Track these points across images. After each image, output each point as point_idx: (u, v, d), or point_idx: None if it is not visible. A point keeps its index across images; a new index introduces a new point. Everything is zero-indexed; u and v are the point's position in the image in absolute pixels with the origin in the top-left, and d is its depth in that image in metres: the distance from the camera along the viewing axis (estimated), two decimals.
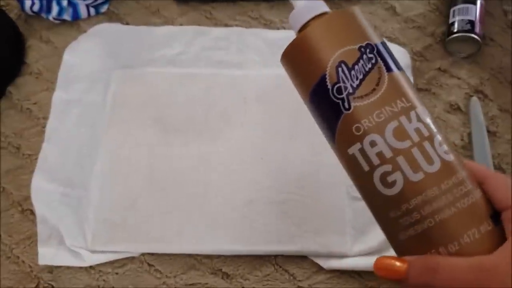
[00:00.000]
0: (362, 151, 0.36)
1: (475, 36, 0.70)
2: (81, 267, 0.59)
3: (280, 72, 0.71)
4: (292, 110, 0.68)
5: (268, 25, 0.75)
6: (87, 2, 0.73)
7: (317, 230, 0.60)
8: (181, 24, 0.75)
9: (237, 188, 0.63)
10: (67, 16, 0.73)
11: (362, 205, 0.61)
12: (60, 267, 0.59)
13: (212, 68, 0.71)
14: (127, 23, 0.75)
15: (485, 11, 0.73)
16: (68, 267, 0.59)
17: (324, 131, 0.40)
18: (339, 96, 0.36)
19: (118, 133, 0.66)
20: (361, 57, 0.36)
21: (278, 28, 0.75)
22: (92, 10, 0.74)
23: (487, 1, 0.74)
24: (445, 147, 0.36)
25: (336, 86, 0.36)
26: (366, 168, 0.36)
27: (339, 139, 0.37)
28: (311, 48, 0.38)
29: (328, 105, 0.37)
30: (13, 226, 0.61)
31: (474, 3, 0.72)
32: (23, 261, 0.59)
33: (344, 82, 0.36)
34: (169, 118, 0.67)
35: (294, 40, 0.40)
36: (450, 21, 0.72)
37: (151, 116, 0.67)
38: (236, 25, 0.75)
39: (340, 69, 0.36)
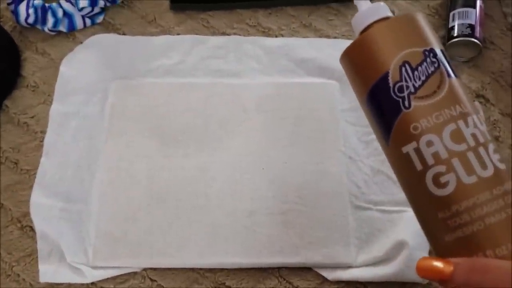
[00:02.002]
0: (417, 150, 0.37)
1: (476, 40, 0.69)
2: (82, 284, 0.58)
3: (279, 80, 0.71)
4: (292, 119, 0.67)
5: (266, 32, 0.74)
6: (83, 13, 0.72)
7: (320, 241, 0.60)
8: (178, 33, 0.74)
9: (239, 199, 0.62)
10: (62, 28, 0.72)
11: (365, 214, 0.62)
12: (61, 284, 0.58)
13: (210, 77, 0.70)
14: (124, 33, 0.74)
15: (484, 14, 0.73)
16: (69, 284, 0.58)
17: (378, 130, 0.41)
18: (400, 95, 0.38)
19: (117, 145, 0.65)
20: (425, 60, 0.38)
21: (276, 36, 0.74)
22: (88, 21, 0.73)
23: (486, 3, 0.74)
24: (498, 155, 0.37)
25: (398, 85, 0.38)
26: (419, 167, 0.37)
27: (395, 137, 0.39)
28: (374, 47, 0.39)
29: (387, 102, 0.39)
30: (12, 243, 0.60)
31: (474, 6, 0.72)
32: (23, 279, 0.59)
33: (406, 81, 0.38)
34: (168, 128, 0.66)
35: (357, 39, 0.42)
36: (450, 25, 0.72)
37: (149, 127, 0.66)
38: (234, 33, 0.74)
39: (404, 68, 0.38)
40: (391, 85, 0.38)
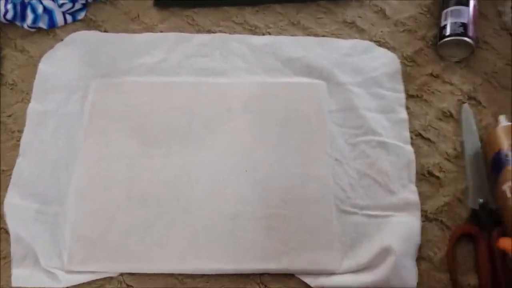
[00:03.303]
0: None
1: (468, 40, 0.67)
2: None
3: (266, 80, 0.69)
4: (279, 119, 0.65)
5: (253, 30, 0.72)
6: (64, 9, 0.70)
7: (304, 247, 0.58)
8: (162, 31, 0.72)
9: (221, 202, 0.60)
10: (42, 24, 0.70)
11: (351, 219, 0.59)
12: None
13: (194, 76, 0.68)
14: (106, 30, 0.72)
15: (478, 12, 0.71)
16: None
17: None
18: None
19: (97, 144, 0.63)
20: None
21: (263, 34, 0.72)
22: (68, 18, 0.71)
23: (480, 2, 0.72)
24: None
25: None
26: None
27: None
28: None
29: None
30: None
31: (467, 4, 0.69)
32: None
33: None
34: (150, 128, 0.64)
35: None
36: (442, 24, 0.70)
37: (131, 126, 0.64)
38: (220, 31, 0.72)
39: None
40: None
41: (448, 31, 0.68)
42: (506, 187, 0.57)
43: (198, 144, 0.63)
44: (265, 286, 0.57)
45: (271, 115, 0.65)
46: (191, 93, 0.67)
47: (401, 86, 0.68)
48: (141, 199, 0.60)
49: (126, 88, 0.67)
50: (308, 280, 0.57)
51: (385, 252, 0.55)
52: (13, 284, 0.56)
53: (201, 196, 0.61)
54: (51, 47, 0.70)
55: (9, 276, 0.57)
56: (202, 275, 0.57)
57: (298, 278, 0.57)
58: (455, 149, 0.64)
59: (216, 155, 0.63)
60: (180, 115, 0.65)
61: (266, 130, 0.65)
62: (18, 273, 0.57)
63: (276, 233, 0.59)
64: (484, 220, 0.58)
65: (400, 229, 0.58)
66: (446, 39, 0.68)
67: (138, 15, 0.73)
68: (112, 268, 0.57)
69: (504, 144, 0.60)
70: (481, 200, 0.59)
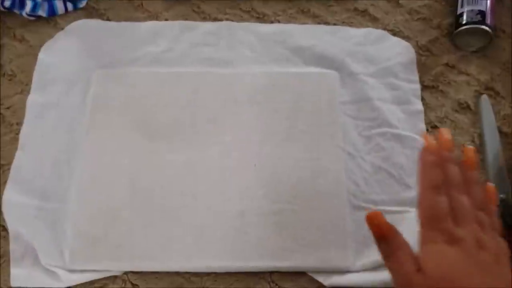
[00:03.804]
0: None
1: (486, 28, 0.65)
2: None
3: (274, 70, 0.67)
4: (287, 111, 0.62)
5: (261, 18, 0.70)
6: None
7: (315, 244, 0.56)
8: (166, 19, 0.69)
9: (228, 198, 0.58)
10: (42, 12, 0.67)
11: (364, 215, 0.57)
12: None
13: (200, 66, 0.66)
14: (108, 19, 0.69)
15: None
16: None
17: None
18: None
19: (99, 138, 0.61)
20: None
21: (271, 22, 0.69)
22: (69, 5, 0.69)
23: None
24: None
25: None
26: None
27: None
28: None
29: None
30: None
31: None
32: None
33: None
34: (154, 122, 0.62)
35: None
36: (458, 11, 0.67)
37: (134, 119, 0.62)
38: (226, 19, 0.69)
39: None
40: None
41: (465, 19, 0.66)
42: None
43: (203, 138, 0.61)
44: (276, 284, 0.55)
45: (280, 107, 0.63)
46: (196, 84, 0.64)
47: (416, 77, 0.65)
48: (145, 195, 0.58)
49: (129, 79, 0.64)
50: (321, 278, 0.54)
51: None
52: (12, 284, 0.54)
53: (206, 192, 0.58)
54: (51, 36, 0.67)
55: (8, 275, 0.54)
56: (210, 274, 0.55)
57: (310, 276, 0.55)
58: (472, 141, 0.61)
59: (222, 150, 0.60)
60: (184, 107, 0.63)
61: (274, 123, 0.62)
62: (17, 273, 0.54)
63: (286, 229, 0.56)
64: (504, 216, 0.55)
65: (416, 225, 0.55)
66: (463, 27, 0.65)
67: (142, 3, 0.70)
68: (116, 266, 0.55)
69: None
70: (501, 196, 0.57)
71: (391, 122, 0.61)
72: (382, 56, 0.66)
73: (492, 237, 0.39)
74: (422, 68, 0.66)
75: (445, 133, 0.44)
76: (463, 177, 0.42)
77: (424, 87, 0.65)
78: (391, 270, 0.40)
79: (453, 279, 0.36)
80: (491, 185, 0.44)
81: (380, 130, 0.61)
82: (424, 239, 0.39)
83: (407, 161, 0.59)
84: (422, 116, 0.63)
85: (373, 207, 0.57)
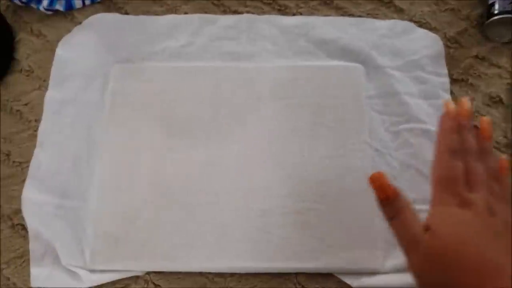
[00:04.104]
0: None
1: None
2: None
3: (297, 63, 0.65)
4: (311, 106, 0.60)
5: (283, 10, 0.67)
6: None
7: (343, 244, 0.54)
8: (185, 13, 0.67)
9: (251, 196, 0.56)
10: (59, 6, 0.66)
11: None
12: None
13: (220, 60, 0.64)
14: (126, 13, 0.68)
15: None
16: None
17: None
18: None
19: (118, 135, 0.59)
20: None
21: (294, 14, 0.67)
22: None
23: None
24: None
25: None
26: None
27: None
28: None
29: None
30: (2, 243, 0.55)
31: None
32: (14, 283, 0.53)
33: None
34: (174, 118, 0.60)
35: None
36: (490, 1, 0.64)
37: (153, 115, 0.60)
38: (247, 12, 0.67)
39: None
40: None
41: (497, 8, 0.63)
42: None
43: (225, 135, 0.59)
44: (302, 286, 0.53)
45: (304, 102, 0.61)
46: (217, 79, 0.62)
47: (444, 70, 0.63)
48: (166, 194, 0.56)
49: (148, 74, 0.63)
50: (349, 280, 0.53)
51: None
52: (32, 284, 0.53)
53: (229, 190, 0.57)
54: (69, 31, 0.65)
55: (28, 275, 0.53)
56: (233, 274, 0.54)
57: (338, 278, 0.53)
58: (505, 136, 0.59)
59: (245, 147, 0.59)
60: (205, 103, 0.61)
61: (298, 118, 0.60)
62: (37, 273, 0.53)
63: (312, 229, 0.55)
64: None
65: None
66: (496, 17, 0.62)
67: None
68: (138, 266, 0.54)
69: None
70: None
71: (420, 117, 0.59)
72: (409, 48, 0.64)
73: (503, 206, 0.40)
74: (451, 60, 0.63)
75: (465, 102, 0.45)
76: (479, 146, 0.43)
77: (453, 81, 0.62)
78: (397, 231, 0.40)
79: (463, 240, 0.37)
80: (505, 157, 0.46)
81: (408, 125, 0.59)
82: (436, 201, 0.40)
83: None
84: None
85: None
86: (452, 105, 0.45)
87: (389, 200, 0.40)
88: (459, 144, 0.42)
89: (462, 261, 0.36)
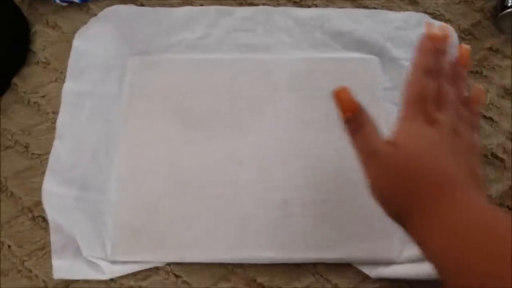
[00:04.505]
0: None
1: None
2: (100, 281, 0.53)
3: (314, 55, 0.65)
4: (327, 98, 0.60)
5: (298, 2, 0.67)
6: None
7: (361, 235, 0.54)
8: (201, 4, 0.67)
9: (269, 188, 0.57)
10: None
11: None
12: (77, 281, 0.53)
13: (237, 52, 0.64)
14: (142, 4, 0.67)
15: None
16: (86, 281, 0.53)
17: None
18: None
19: (136, 128, 0.60)
20: None
21: (309, 6, 0.67)
22: None
23: None
24: None
25: None
26: None
27: None
28: None
29: None
30: (24, 236, 0.55)
31: None
32: (36, 275, 0.54)
33: None
34: (191, 110, 0.60)
35: None
36: None
37: (171, 108, 0.61)
38: (263, 4, 0.67)
39: None
40: None
41: (510, 1, 0.63)
42: None
43: (242, 126, 0.60)
44: (321, 276, 0.54)
45: (320, 94, 0.61)
46: (234, 71, 0.63)
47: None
48: (185, 185, 0.57)
49: (165, 66, 0.63)
50: (366, 270, 0.53)
51: None
52: (55, 275, 0.53)
53: (247, 182, 0.57)
54: (85, 23, 0.65)
55: (49, 267, 0.54)
56: (252, 265, 0.54)
57: (356, 268, 0.54)
58: None
59: (262, 138, 0.59)
60: (222, 95, 0.61)
61: (314, 110, 0.60)
62: (59, 264, 0.54)
63: (330, 220, 0.55)
64: None
65: None
66: (508, 10, 0.63)
67: None
68: (158, 257, 0.54)
69: None
70: None
71: None
72: None
73: (468, 130, 0.41)
74: None
75: (446, 30, 0.45)
76: (454, 71, 0.44)
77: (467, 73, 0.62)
78: (358, 144, 0.41)
79: (424, 154, 0.38)
80: (481, 88, 0.47)
81: None
82: (404, 116, 0.41)
83: None
84: None
85: None
86: (432, 28, 0.44)
87: (353, 113, 0.41)
88: (434, 64, 0.42)
89: (420, 172, 0.37)
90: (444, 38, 0.44)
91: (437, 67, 0.43)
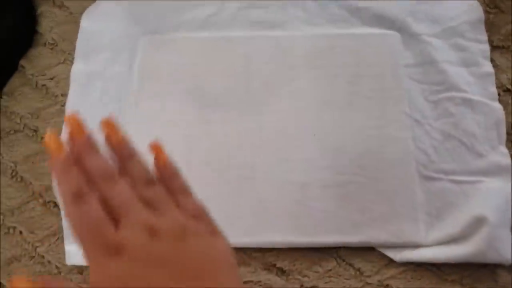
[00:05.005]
0: None
1: None
2: None
3: (332, 31, 0.62)
4: (347, 76, 0.58)
5: None
6: None
7: (384, 217, 0.52)
8: None
9: (289, 169, 0.55)
10: None
11: (436, 185, 0.53)
12: None
13: (250, 30, 0.61)
14: None
15: None
16: None
17: None
18: None
19: (149, 109, 0.58)
20: None
21: None
22: None
23: None
24: None
25: None
26: None
27: None
28: None
29: None
30: (35, 221, 0.54)
31: None
32: (49, 261, 0.52)
33: None
34: (205, 90, 0.58)
35: None
36: None
37: (184, 88, 0.58)
38: None
39: None
40: None
41: None
42: None
43: (259, 107, 0.57)
44: (343, 260, 0.52)
45: (339, 71, 0.59)
46: (248, 49, 0.60)
47: (484, 36, 0.60)
48: (201, 168, 0.55)
49: (177, 45, 0.61)
50: (391, 253, 0.51)
51: (477, 222, 0.50)
52: (68, 261, 0.52)
53: (265, 164, 0.55)
54: (93, 1, 0.63)
55: (62, 253, 0.52)
56: (272, 249, 0.52)
57: (380, 252, 0.52)
58: None
59: (279, 119, 0.57)
60: (236, 74, 0.59)
61: (333, 89, 0.58)
62: (72, 250, 0.52)
63: (352, 202, 0.53)
64: None
65: (492, 196, 0.52)
66: None
67: None
68: None
69: None
70: None
71: (460, 86, 0.57)
72: (447, 15, 0.61)
73: (167, 211, 0.30)
74: (491, 27, 0.61)
75: (72, 122, 0.34)
76: (119, 156, 0.33)
77: (493, 48, 0.60)
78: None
79: None
80: (154, 142, 0.36)
81: (448, 94, 0.57)
82: (87, 259, 0.28)
83: (479, 128, 0.55)
84: (492, 79, 0.58)
85: (444, 177, 0.53)
86: (53, 139, 0.31)
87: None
88: (82, 179, 0.30)
89: None
90: (76, 134, 0.33)
91: (89, 176, 0.30)
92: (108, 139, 0.34)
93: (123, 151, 0.33)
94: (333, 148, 0.55)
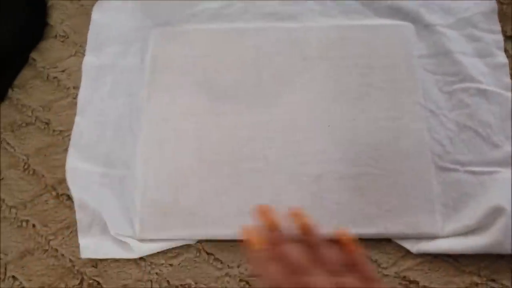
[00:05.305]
0: None
1: None
2: (129, 259, 0.51)
3: (345, 23, 0.62)
4: (361, 67, 0.58)
5: None
6: None
7: (400, 209, 0.52)
8: None
9: (302, 161, 0.54)
10: None
11: (452, 176, 0.52)
12: (105, 260, 0.51)
13: (262, 21, 0.61)
14: None
15: None
16: (115, 260, 0.51)
17: None
18: None
19: (161, 102, 0.57)
20: None
21: None
22: None
23: None
24: None
25: None
26: None
27: None
28: None
29: None
30: (48, 214, 0.53)
31: None
32: (62, 255, 0.52)
33: None
34: (217, 82, 0.58)
35: None
36: None
37: (196, 80, 0.58)
38: None
39: None
40: None
41: None
42: None
43: (271, 98, 0.57)
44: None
45: (352, 63, 0.58)
46: (260, 41, 0.60)
47: (498, 27, 0.60)
48: (214, 161, 0.54)
49: (188, 37, 0.60)
50: (408, 245, 0.51)
51: (495, 213, 0.49)
52: (82, 255, 0.51)
53: (278, 156, 0.55)
54: None
55: (75, 246, 0.52)
56: None
57: (396, 243, 0.51)
58: None
59: (292, 111, 0.56)
60: (248, 66, 0.59)
61: (347, 80, 0.58)
62: (86, 243, 0.52)
63: (367, 194, 0.53)
64: None
65: (508, 187, 0.51)
66: None
67: None
68: (188, 235, 0.52)
69: None
70: None
71: (474, 77, 0.56)
72: (460, 5, 0.61)
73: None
74: (504, 17, 0.60)
75: (264, 214, 0.37)
76: (311, 245, 0.34)
77: (506, 38, 0.59)
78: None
79: None
80: (343, 235, 0.36)
81: (462, 85, 0.56)
82: None
83: (494, 119, 0.55)
84: (507, 69, 0.57)
85: (460, 168, 0.53)
86: (251, 232, 0.36)
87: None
88: (284, 269, 0.32)
89: None
90: (270, 226, 0.36)
91: (290, 267, 0.32)
92: (298, 228, 0.35)
93: (311, 238, 0.35)
94: (347, 140, 0.55)
